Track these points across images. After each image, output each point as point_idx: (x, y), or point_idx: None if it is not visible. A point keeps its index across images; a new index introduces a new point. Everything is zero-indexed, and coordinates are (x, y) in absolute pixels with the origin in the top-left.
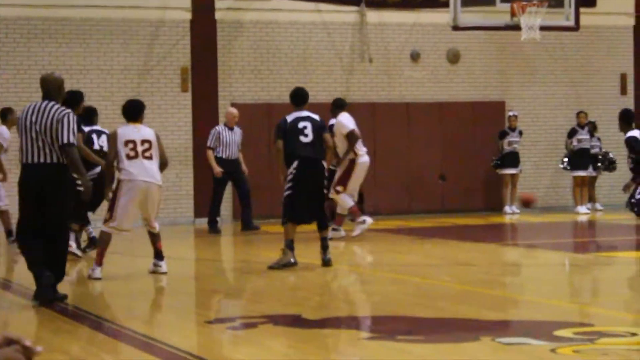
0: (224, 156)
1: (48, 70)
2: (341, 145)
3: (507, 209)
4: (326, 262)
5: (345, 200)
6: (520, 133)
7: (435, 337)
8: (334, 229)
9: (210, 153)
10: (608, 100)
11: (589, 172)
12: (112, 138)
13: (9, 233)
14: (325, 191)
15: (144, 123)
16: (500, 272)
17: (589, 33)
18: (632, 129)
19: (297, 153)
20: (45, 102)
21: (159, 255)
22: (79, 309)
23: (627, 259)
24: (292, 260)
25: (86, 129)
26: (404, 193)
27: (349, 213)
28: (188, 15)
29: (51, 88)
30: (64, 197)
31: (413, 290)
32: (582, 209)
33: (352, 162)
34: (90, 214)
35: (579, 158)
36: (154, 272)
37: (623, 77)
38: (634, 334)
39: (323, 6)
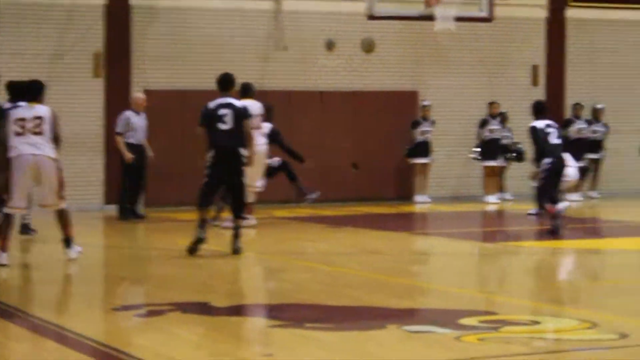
0: (134, 142)
1: None
2: None
3: (417, 197)
4: (236, 250)
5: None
6: (433, 123)
7: (344, 325)
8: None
9: (119, 139)
10: (520, 92)
11: (499, 162)
12: (6, 118)
13: None
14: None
15: (54, 106)
16: (410, 260)
17: (503, 24)
18: (540, 119)
19: (214, 141)
20: None
21: (67, 241)
22: None
23: (535, 249)
24: (201, 236)
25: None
26: (317, 181)
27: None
28: (102, 0)
29: None
30: None
31: (323, 279)
32: (491, 198)
33: None
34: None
35: (489, 148)
36: (67, 257)
37: (535, 69)
38: (537, 322)
39: None
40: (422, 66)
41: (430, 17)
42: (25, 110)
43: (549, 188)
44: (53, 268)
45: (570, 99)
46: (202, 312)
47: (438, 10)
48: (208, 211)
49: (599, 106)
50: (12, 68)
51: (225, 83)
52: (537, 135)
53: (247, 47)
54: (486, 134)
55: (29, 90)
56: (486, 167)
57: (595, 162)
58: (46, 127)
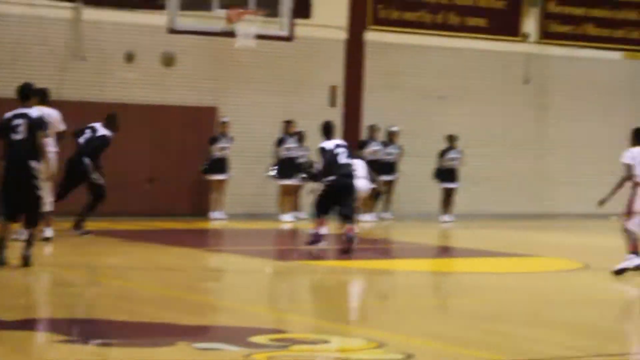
0: None
1: None
2: None
3: (213, 214)
4: (26, 261)
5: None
6: (231, 139)
7: (131, 341)
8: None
9: None
10: (318, 111)
11: (295, 181)
12: None
13: None
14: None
15: None
16: (202, 277)
17: (303, 44)
18: (330, 139)
19: (6, 152)
20: None
21: None
22: None
23: (327, 268)
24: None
25: None
26: (112, 195)
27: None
28: None
29: None
30: None
31: (113, 293)
32: (287, 217)
33: None
34: None
35: (286, 167)
36: None
37: (333, 89)
38: (326, 341)
39: (37, 0)
40: (222, 82)
41: (231, 34)
42: None
43: (324, 204)
44: None
45: (366, 121)
46: None
47: (239, 27)
48: (6, 227)
49: (394, 129)
50: None
51: (24, 93)
52: (325, 155)
53: (44, 55)
54: (283, 153)
55: None
56: (282, 186)
57: (389, 183)
58: None
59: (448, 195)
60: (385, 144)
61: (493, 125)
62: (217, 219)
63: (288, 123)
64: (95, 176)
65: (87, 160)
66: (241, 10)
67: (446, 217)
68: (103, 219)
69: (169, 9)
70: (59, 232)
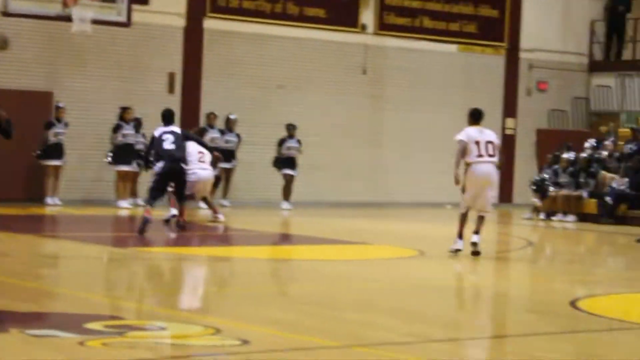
0: None
1: None
2: None
3: (48, 200)
4: None
5: None
6: (67, 125)
7: None
8: None
9: None
10: (156, 98)
11: (132, 167)
12: None
13: None
14: None
15: None
16: (37, 263)
17: (141, 30)
18: (168, 126)
19: None
20: None
21: None
22: None
23: (165, 255)
24: None
25: None
26: None
27: None
28: None
29: None
30: None
31: None
32: (124, 203)
33: None
34: None
35: (123, 153)
36: None
37: (171, 76)
38: (163, 328)
39: None
40: (58, 67)
41: (67, 18)
42: None
43: (157, 190)
44: None
45: (205, 108)
46: None
47: (75, 12)
48: None
49: (232, 116)
50: None
51: None
52: (153, 142)
53: None
54: (119, 139)
55: None
56: (119, 172)
57: (228, 171)
58: None
59: (288, 183)
60: (224, 132)
61: (331, 114)
62: (53, 205)
63: (125, 109)
64: None
65: None
66: None
67: (286, 205)
68: None
69: None
70: None
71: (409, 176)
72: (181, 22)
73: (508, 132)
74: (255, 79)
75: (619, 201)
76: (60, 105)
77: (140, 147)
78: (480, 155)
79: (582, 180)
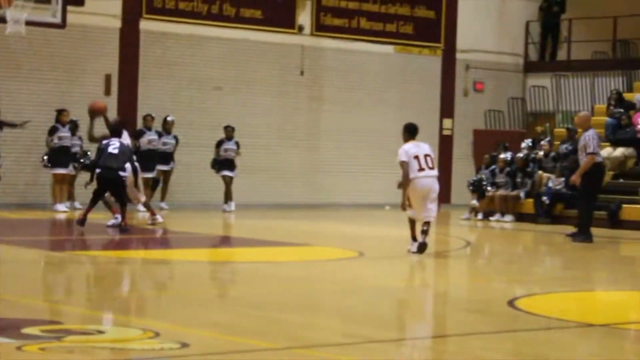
0: None
1: None
2: None
3: None
4: None
5: None
6: (1, 128)
7: None
8: None
9: None
10: (92, 100)
11: (69, 170)
12: None
13: None
14: None
15: None
16: None
17: (76, 32)
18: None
19: None
20: None
21: None
22: None
23: (102, 258)
24: None
25: None
26: None
27: None
28: None
29: None
30: None
31: None
32: (60, 206)
33: None
34: None
35: (59, 156)
36: None
37: (108, 78)
38: (101, 332)
39: None
40: None
41: (1, 19)
42: None
43: (100, 195)
44: None
45: (142, 110)
46: None
47: (9, 13)
48: None
49: (169, 118)
50: None
51: None
52: (98, 147)
53: None
54: (55, 142)
55: None
56: (56, 175)
57: (165, 173)
58: None
59: (227, 184)
60: (160, 134)
61: (269, 116)
62: None
63: (61, 112)
64: None
65: None
66: None
67: (226, 207)
68: None
69: None
70: None
71: (347, 177)
72: (117, 24)
73: (445, 132)
74: (193, 80)
75: (556, 201)
76: None
77: (76, 149)
78: (421, 169)
79: (519, 180)
